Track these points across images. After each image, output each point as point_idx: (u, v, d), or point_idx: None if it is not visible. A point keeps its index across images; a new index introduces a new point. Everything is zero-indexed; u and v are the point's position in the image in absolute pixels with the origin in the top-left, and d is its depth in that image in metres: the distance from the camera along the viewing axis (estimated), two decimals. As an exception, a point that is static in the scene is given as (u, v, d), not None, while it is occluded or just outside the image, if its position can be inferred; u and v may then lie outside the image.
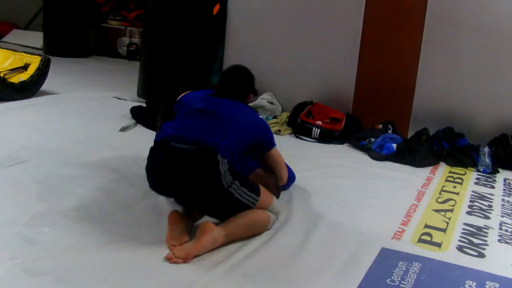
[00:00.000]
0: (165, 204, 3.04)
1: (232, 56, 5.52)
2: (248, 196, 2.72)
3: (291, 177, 3.41)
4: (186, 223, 2.71)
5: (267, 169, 3.12)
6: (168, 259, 2.47)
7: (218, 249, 2.60)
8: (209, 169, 2.62)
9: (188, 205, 2.85)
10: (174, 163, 2.67)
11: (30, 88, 5.22)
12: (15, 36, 8.64)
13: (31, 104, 5.03)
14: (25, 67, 5.35)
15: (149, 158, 2.80)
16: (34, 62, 5.36)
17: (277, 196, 3.10)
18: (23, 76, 5.25)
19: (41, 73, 5.32)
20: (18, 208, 2.87)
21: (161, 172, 2.72)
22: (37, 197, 3.02)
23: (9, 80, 5.12)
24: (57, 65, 6.00)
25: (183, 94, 3.29)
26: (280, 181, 3.15)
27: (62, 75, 6.21)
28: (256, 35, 5.42)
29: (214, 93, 3.09)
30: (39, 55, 5.52)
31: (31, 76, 5.25)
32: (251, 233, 2.74)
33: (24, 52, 5.61)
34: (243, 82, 3.14)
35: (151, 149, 2.83)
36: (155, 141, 2.88)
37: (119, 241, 2.61)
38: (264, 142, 3.00)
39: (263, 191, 2.84)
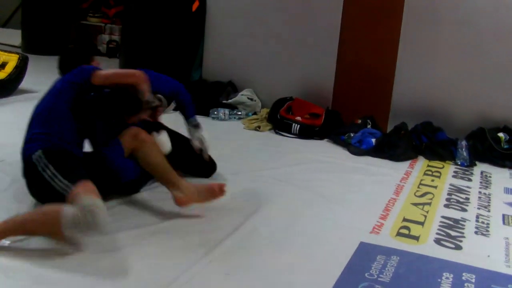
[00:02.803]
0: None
1: (212, 52, 5.53)
2: (60, 182, 2.61)
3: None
4: None
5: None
6: None
7: (196, 245, 2.60)
8: (28, 168, 2.75)
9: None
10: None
11: (8, 87, 5.18)
12: (-7, 34, 8.56)
13: (9, 103, 5.00)
14: (2, 66, 5.30)
15: None
16: (12, 60, 5.31)
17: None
18: (0, 75, 5.20)
19: (19, 72, 5.28)
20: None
21: None
22: (13, 197, 3.00)
23: (-14, 79, 5.08)
24: (36, 63, 5.95)
25: None
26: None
27: (41, 73, 6.10)
28: (236, 32, 5.42)
29: None
30: (17, 53, 5.47)
31: (9, 74, 5.20)
32: (38, 229, 2.48)
33: (1, 50, 5.55)
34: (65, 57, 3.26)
35: None
36: None
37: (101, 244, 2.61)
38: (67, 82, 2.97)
39: (84, 184, 2.57)
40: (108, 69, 3.07)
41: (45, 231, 2.46)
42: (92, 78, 2.89)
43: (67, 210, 2.39)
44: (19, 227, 2.47)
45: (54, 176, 2.63)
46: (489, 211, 3.34)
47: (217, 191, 2.98)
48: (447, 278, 2.48)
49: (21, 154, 2.84)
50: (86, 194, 2.46)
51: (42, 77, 5.96)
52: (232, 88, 5.41)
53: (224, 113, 5.05)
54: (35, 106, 2.96)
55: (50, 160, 2.68)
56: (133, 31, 5.48)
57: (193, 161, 3.47)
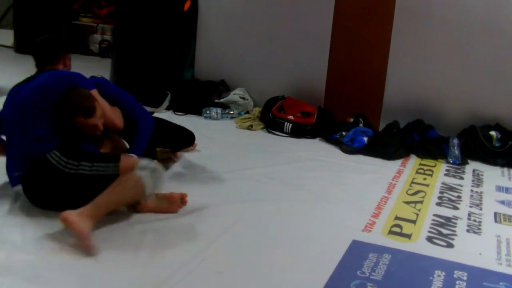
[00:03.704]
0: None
1: (204, 51, 5.52)
2: (106, 167, 2.75)
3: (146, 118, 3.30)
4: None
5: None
6: None
7: (189, 244, 2.61)
8: (46, 171, 2.71)
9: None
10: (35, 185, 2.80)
11: (-1, 87, 5.16)
12: (-15, 34, 8.52)
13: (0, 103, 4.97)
14: (-6, 66, 5.29)
15: None
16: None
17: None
18: (-8, 75, 5.19)
19: (11, 72, 5.26)
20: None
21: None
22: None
23: (-23, 79, 5.06)
24: (28, 63, 5.91)
25: None
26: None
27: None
28: (227, 31, 5.42)
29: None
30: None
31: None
32: (126, 196, 2.71)
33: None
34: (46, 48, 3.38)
35: None
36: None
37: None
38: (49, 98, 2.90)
39: (124, 156, 2.88)
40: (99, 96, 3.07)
41: (130, 199, 2.76)
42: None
43: (142, 174, 2.68)
44: (108, 205, 2.63)
45: (93, 166, 2.73)
46: (481, 209, 3.35)
47: (178, 201, 2.94)
48: (438, 275, 2.49)
49: (24, 154, 2.76)
50: (139, 160, 2.80)
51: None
52: (224, 87, 5.41)
53: (217, 112, 5.05)
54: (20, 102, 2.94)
55: (69, 156, 2.73)
56: (125, 31, 5.47)
57: (173, 138, 3.71)
